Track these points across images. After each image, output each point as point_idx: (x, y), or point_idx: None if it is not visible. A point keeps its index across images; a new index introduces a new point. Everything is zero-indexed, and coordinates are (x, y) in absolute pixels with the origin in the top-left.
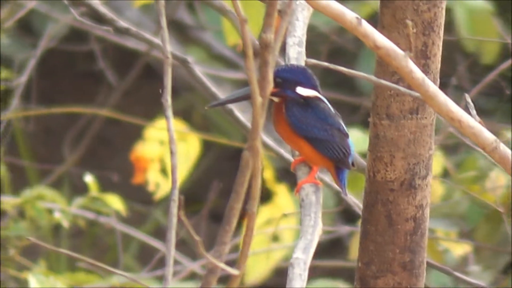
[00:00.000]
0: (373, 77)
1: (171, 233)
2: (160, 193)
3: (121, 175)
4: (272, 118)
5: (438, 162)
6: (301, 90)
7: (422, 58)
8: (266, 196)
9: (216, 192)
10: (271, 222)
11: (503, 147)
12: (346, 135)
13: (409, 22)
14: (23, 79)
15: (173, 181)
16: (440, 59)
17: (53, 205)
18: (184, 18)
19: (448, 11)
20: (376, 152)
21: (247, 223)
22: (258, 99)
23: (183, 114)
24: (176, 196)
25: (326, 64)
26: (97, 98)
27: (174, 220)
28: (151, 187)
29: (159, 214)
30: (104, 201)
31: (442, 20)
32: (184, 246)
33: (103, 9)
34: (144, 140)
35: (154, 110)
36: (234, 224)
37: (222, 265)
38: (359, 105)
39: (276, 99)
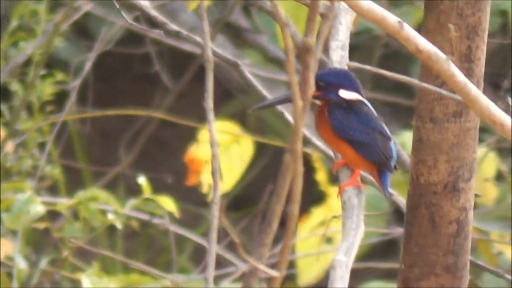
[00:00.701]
0: (415, 80)
1: (212, 235)
2: (211, 195)
3: (175, 176)
4: (315, 121)
5: (492, 164)
6: (344, 93)
7: (466, 62)
8: (320, 198)
9: (270, 194)
10: (324, 223)
11: None
12: (389, 139)
13: (451, 26)
14: (78, 81)
15: (215, 184)
16: (484, 63)
17: (106, 207)
18: (240, 21)
19: (505, 13)
20: (420, 156)
21: (288, 225)
22: (299, 103)
23: (238, 116)
24: (217, 198)
25: (368, 67)
26: (153, 100)
27: (215, 222)
28: (204, 189)
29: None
30: (157, 203)
31: (486, 25)
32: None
33: (155, 13)
34: (197, 142)
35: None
36: (276, 226)
37: (262, 267)
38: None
39: (319, 102)
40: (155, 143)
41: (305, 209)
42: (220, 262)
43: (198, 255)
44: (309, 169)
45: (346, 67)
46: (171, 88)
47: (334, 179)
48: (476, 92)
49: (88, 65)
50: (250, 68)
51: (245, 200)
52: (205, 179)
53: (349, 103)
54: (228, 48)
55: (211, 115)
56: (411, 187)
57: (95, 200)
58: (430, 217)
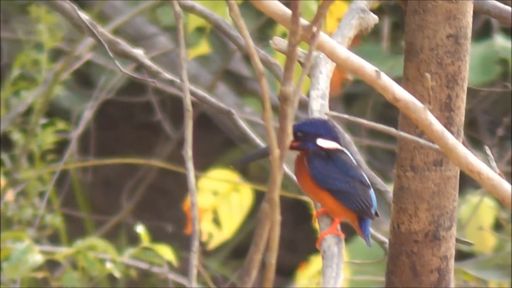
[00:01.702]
0: (393, 130)
1: (191, 284)
2: (213, 243)
3: (176, 225)
4: (294, 171)
5: (490, 212)
6: (322, 143)
7: (446, 111)
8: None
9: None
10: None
11: None
12: (368, 187)
13: (428, 75)
14: (79, 130)
15: (193, 233)
16: (464, 111)
17: (105, 255)
18: (241, 69)
19: (505, 62)
20: (401, 204)
21: (265, 274)
22: (276, 152)
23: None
24: (196, 247)
25: (345, 116)
26: (155, 148)
27: (194, 271)
28: (204, 237)
29: (215, 264)
30: (155, 252)
31: (466, 73)
32: None
33: (148, 62)
34: (197, 191)
35: (212, 161)
36: (254, 275)
37: None
38: None
39: (297, 153)
40: (156, 192)
41: (304, 258)
42: None
43: None
44: (308, 217)
45: (323, 116)
46: (172, 137)
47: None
48: (453, 141)
49: (89, 114)
50: (251, 117)
51: (246, 248)
52: (205, 227)
53: (328, 152)
54: (230, 97)
55: (190, 164)
56: (392, 236)
57: (93, 249)
58: (411, 265)
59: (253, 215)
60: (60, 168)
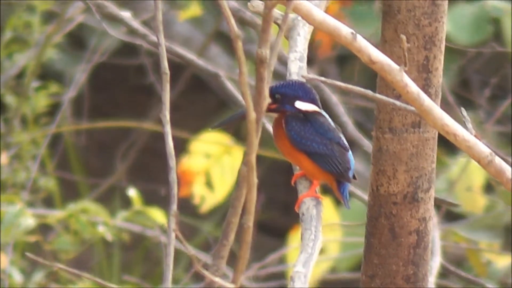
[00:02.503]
0: (369, 92)
1: (169, 248)
2: (205, 207)
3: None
4: (272, 133)
5: (480, 173)
6: (300, 105)
7: (424, 72)
8: None
9: (263, 205)
10: None
11: (499, 161)
12: (346, 149)
13: (403, 37)
14: (73, 93)
15: (171, 197)
16: (441, 73)
17: (98, 219)
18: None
19: (497, 21)
20: (379, 166)
21: (243, 237)
22: (252, 115)
23: (233, 127)
24: (174, 211)
25: (322, 78)
26: (149, 110)
27: (173, 236)
28: (196, 200)
29: (208, 226)
30: (147, 215)
31: (443, 34)
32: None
33: (136, 24)
34: (189, 154)
35: (206, 123)
36: (232, 238)
37: (218, 280)
38: None
39: (275, 115)
40: (150, 154)
41: (297, 220)
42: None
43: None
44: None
45: (302, 79)
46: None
47: (327, 189)
48: (429, 102)
49: (82, 77)
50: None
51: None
52: (197, 190)
53: (306, 114)
54: (222, 58)
55: (167, 127)
56: (371, 198)
57: (86, 212)
58: (390, 227)
59: None
60: (53, 131)
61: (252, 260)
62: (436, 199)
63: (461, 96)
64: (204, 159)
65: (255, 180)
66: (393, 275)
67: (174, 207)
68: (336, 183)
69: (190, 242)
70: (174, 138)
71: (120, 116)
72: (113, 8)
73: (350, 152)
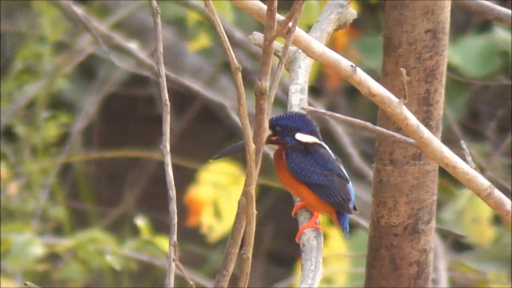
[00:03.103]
0: (369, 124)
1: (169, 278)
2: (213, 236)
3: (179, 217)
4: (273, 165)
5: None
6: (300, 136)
7: (425, 105)
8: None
9: (272, 234)
10: (325, 265)
11: (498, 193)
12: (347, 180)
13: (403, 70)
14: (82, 123)
15: (171, 227)
16: (442, 106)
17: (106, 248)
18: (243, 62)
19: (506, 54)
20: (380, 198)
21: (242, 268)
22: (252, 147)
23: (242, 157)
24: (174, 241)
25: (322, 110)
26: (158, 140)
27: (173, 265)
28: (204, 230)
29: (217, 256)
30: (155, 244)
31: (444, 68)
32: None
33: (142, 56)
34: (198, 183)
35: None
36: (231, 269)
37: None
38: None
39: (276, 147)
40: (160, 184)
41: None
42: None
43: None
44: None
45: (300, 111)
46: (173, 129)
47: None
48: (428, 135)
49: (92, 107)
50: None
51: None
52: (205, 220)
53: (306, 146)
54: (232, 89)
55: (168, 158)
56: (371, 229)
57: (94, 241)
58: (391, 258)
59: (257, 208)
60: (63, 160)
61: None
62: (442, 230)
63: (470, 128)
64: (212, 189)
65: (254, 212)
66: None
67: (174, 237)
68: (336, 214)
69: (198, 271)
70: (182, 168)
71: (130, 145)
72: (119, 40)
73: (350, 183)
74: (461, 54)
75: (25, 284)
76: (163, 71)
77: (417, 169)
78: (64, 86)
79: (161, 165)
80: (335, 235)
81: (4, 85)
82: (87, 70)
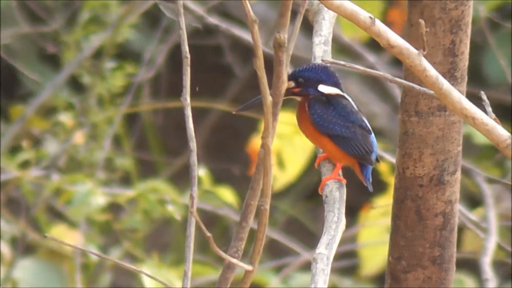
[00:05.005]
0: (389, 75)
1: (190, 230)
2: (277, 186)
3: (246, 166)
4: (296, 117)
5: None
6: (323, 88)
7: (450, 56)
8: (382, 188)
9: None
10: (387, 213)
11: None
12: (369, 132)
13: (422, 22)
14: (149, 73)
15: (192, 179)
16: (467, 57)
17: (167, 198)
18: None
19: None
20: (405, 149)
21: (259, 219)
22: (268, 99)
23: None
24: (194, 192)
25: (342, 62)
26: (228, 90)
27: (194, 216)
28: None
29: (284, 205)
30: (216, 194)
31: (469, 18)
32: (303, 234)
33: (193, 6)
34: (260, 133)
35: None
36: (251, 220)
37: (236, 261)
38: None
39: (298, 98)
40: (228, 133)
41: (367, 199)
42: (284, 250)
43: (268, 245)
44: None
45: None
46: (241, 78)
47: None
48: (447, 86)
49: (161, 57)
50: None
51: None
52: None
53: (328, 97)
54: (299, 39)
55: (188, 110)
56: (397, 180)
57: (156, 191)
58: (416, 210)
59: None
60: (131, 110)
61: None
62: (492, 180)
63: None
64: (275, 139)
65: (271, 163)
66: (419, 257)
67: (195, 189)
68: (359, 166)
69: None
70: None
71: (197, 95)
72: None
73: (372, 134)
74: None
75: (45, 236)
76: (183, 23)
77: (442, 120)
78: (130, 36)
79: (228, 114)
80: None
81: (72, 35)
82: (154, 20)
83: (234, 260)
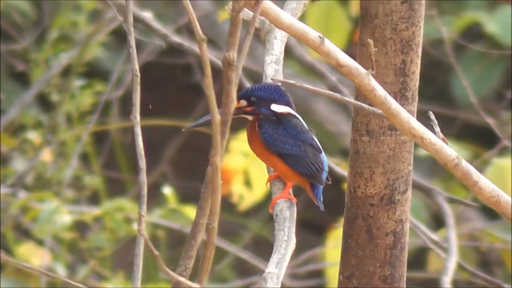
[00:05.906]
0: (337, 95)
1: (138, 249)
2: (244, 205)
3: None
4: (246, 136)
5: None
6: (276, 107)
7: (401, 76)
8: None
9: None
10: None
11: (465, 164)
12: (319, 151)
13: (370, 41)
14: (119, 92)
15: (141, 197)
16: (418, 77)
17: (133, 216)
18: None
19: None
20: (357, 168)
21: (207, 237)
22: (217, 117)
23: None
24: (141, 212)
25: (292, 81)
26: (197, 108)
27: (142, 235)
28: (235, 199)
29: (255, 225)
30: (182, 212)
31: (420, 39)
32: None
33: (157, 25)
34: (228, 152)
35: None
36: (199, 239)
37: (183, 280)
38: (455, 117)
39: (249, 117)
40: (198, 152)
41: (333, 219)
42: (252, 269)
43: (236, 264)
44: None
45: (271, 82)
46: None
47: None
48: (396, 106)
49: (129, 76)
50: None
51: None
52: (236, 189)
53: (279, 116)
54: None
55: (138, 128)
56: (348, 199)
57: (121, 210)
58: (367, 229)
59: None
60: (99, 128)
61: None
62: (453, 199)
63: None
64: (242, 158)
65: (219, 182)
66: (370, 276)
67: (144, 207)
68: (310, 185)
69: (234, 239)
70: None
71: (168, 114)
72: (133, 9)
73: (323, 153)
74: (498, 23)
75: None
76: (133, 40)
77: (393, 139)
78: (99, 54)
79: (198, 133)
80: None
81: (41, 53)
82: (122, 38)
83: (182, 279)
